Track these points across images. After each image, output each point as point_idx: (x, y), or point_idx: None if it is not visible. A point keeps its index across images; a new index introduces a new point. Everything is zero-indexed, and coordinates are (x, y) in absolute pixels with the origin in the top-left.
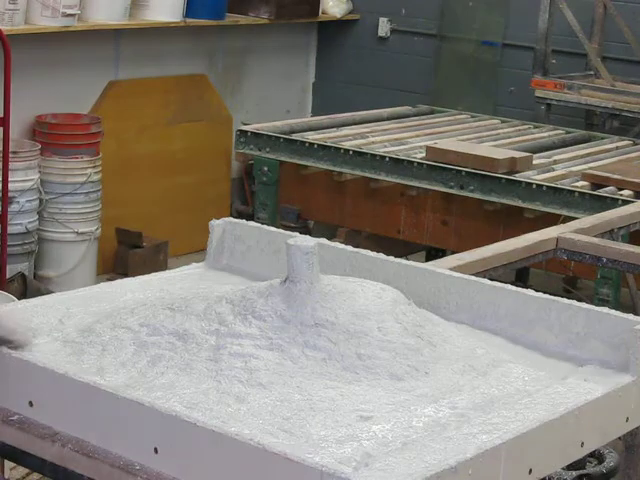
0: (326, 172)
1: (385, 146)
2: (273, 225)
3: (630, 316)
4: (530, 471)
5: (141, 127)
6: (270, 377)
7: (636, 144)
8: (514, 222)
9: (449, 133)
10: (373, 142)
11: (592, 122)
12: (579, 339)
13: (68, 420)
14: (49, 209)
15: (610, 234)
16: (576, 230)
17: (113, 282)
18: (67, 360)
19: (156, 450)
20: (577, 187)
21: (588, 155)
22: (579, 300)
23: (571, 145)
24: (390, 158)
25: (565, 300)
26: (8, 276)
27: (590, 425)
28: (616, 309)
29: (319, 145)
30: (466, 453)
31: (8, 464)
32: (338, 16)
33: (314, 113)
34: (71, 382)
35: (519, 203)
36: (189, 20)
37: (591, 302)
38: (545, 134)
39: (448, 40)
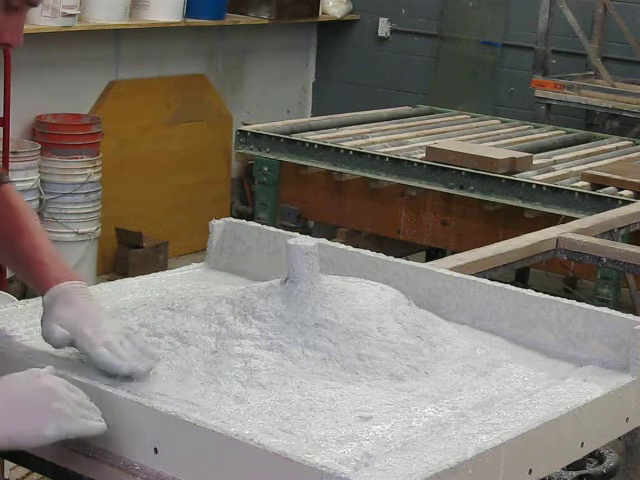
0: (326, 172)
1: (385, 146)
2: (273, 225)
3: (630, 316)
4: (530, 471)
5: (141, 127)
6: (270, 377)
7: (636, 144)
8: (514, 222)
9: (449, 133)
10: (373, 142)
11: (592, 122)
12: (579, 339)
13: None
14: (49, 209)
15: (610, 234)
16: (576, 230)
17: (113, 282)
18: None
19: (156, 450)
20: (577, 187)
21: (588, 155)
22: (579, 300)
23: (571, 145)
24: (390, 158)
25: (565, 300)
26: (8, 276)
27: (590, 425)
28: (616, 309)
29: (319, 145)
30: (466, 453)
31: (8, 464)
32: (338, 16)
33: (314, 113)
34: (71, 382)
35: (519, 203)
36: (189, 20)
37: (591, 302)
38: (545, 134)
39: (448, 40)
